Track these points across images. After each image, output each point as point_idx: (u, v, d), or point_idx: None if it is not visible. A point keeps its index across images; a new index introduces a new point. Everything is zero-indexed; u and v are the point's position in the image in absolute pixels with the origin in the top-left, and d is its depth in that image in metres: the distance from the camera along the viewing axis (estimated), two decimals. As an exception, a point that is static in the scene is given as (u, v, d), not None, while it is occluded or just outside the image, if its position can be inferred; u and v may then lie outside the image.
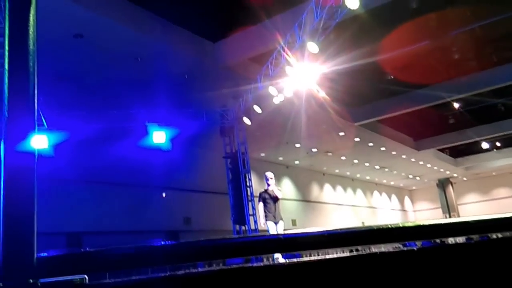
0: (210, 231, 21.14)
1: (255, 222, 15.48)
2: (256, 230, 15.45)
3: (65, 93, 13.92)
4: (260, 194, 11.37)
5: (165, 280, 2.20)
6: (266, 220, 10.89)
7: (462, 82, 18.85)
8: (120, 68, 13.94)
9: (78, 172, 15.54)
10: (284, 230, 11.16)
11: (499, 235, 2.84)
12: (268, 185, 11.13)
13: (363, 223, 35.60)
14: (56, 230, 14.67)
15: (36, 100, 2.49)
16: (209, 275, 2.18)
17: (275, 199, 10.89)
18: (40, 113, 13.19)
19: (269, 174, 11.46)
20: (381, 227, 3.30)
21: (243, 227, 16.55)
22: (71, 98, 14.26)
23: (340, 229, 3.44)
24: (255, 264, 2.25)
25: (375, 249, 2.53)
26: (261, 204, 11.06)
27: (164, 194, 18.35)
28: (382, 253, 2.47)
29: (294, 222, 27.60)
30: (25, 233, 2.24)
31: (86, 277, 2.24)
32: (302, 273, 2.35)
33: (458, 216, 37.75)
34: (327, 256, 2.45)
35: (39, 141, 13.22)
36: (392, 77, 17.93)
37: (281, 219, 11.00)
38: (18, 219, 2.24)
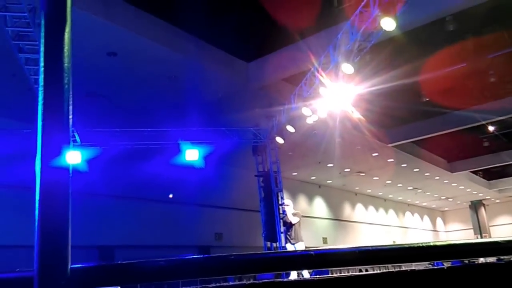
0: (241, 247, 21.15)
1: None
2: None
3: (98, 110, 14.16)
4: (282, 220, 12.32)
5: None
6: (286, 242, 11.68)
7: (498, 105, 18.59)
8: (153, 87, 14.08)
9: (112, 187, 15.78)
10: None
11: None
12: (284, 212, 11.87)
13: (394, 242, 35.20)
14: (89, 244, 14.88)
15: (70, 117, 2.53)
16: None
17: (290, 224, 11.44)
18: (73, 129, 13.46)
19: (286, 201, 12.19)
20: (412, 245, 3.28)
21: (274, 244, 16.54)
22: (104, 115, 14.49)
23: (371, 247, 3.42)
24: (285, 279, 2.27)
25: (404, 267, 2.52)
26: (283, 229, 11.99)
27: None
28: (412, 270, 2.47)
29: (325, 240, 27.46)
30: (60, 245, 2.26)
31: None
32: None
33: (490, 237, 37.13)
34: (356, 273, 2.45)
35: (73, 156, 13.47)
36: (427, 99, 17.76)
37: (301, 240, 11.41)
38: (53, 231, 2.27)
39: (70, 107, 2.55)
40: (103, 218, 15.42)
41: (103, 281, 2.60)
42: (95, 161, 13.55)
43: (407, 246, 3.49)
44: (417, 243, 3.25)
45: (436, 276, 2.42)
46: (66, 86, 2.54)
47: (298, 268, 3.06)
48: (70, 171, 2.49)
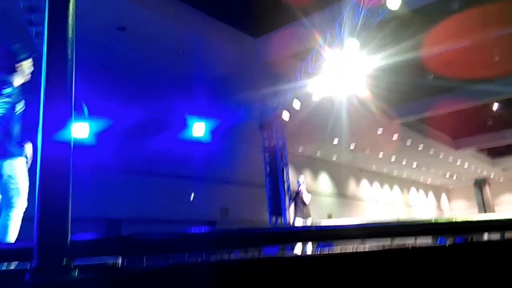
0: (247, 221, 21.34)
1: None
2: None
3: (106, 83, 14.21)
4: (291, 195, 12.51)
5: (198, 266, 2.21)
6: (295, 217, 11.87)
7: (505, 82, 18.58)
8: (161, 61, 14.14)
9: (120, 161, 15.92)
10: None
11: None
12: (299, 190, 12.09)
13: (398, 219, 35.26)
14: (96, 216, 15.06)
15: (73, 88, 2.46)
16: (242, 262, 2.22)
17: (304, 203, 11.64)
18: (82, 102, 13.56)
19: (301, 179, 12.42)
20: (414, 222, 3.35)
21: (279, 219, 16.76)
22: (113, 88, 14.53)
23: (373, 223, 3.56)
24: (288, 254, 2.33)
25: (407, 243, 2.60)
26: (292, 205, 12.19)
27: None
28: (413, 247, 2.52)
29: (329, 216, 27.62)
30: (60, 217, 2.25)
31: (120, 260, 2.25)
32: (331, 265, 2.41)
33: (495, 216, 37.19)
34: (358, 249, 2.50)
35: (80, 129, 13.59)
36: (434, 75, 17.77)
37: (310, 216, 11.75)
38: (54, 204, 2.25)
39: (74, 79, 2.48)
40: (111, 191, 15.56)
41: (103, 252, 2.58)
42: (103, 135, 13.66)
43: (409, 222, 3.52)
44: (420, 220, 3.35)
45: (438, 253, 2.48)
46: (70, 57, 2.50)
47: (301, 241, 3.12)
48: (72, 144, 2.44)
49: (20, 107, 4.57)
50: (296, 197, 12.40)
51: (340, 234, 3.20)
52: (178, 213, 17.71)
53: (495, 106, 21.03)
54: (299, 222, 11.88)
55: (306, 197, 11.97)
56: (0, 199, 4.45)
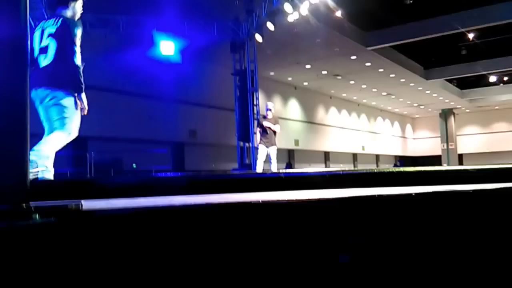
0: (214, 145, 21.30)
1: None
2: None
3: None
4: (259, 121, 12.05)
5: (162, 210, 2.05)
6: (259, 143, 11.54)
7: (479, 13, 18.40)
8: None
9: (86, 77, 15.36)
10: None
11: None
12: (266, 116, 11.64)
13: (363, 147, 35.91)
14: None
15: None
16: (207, 207, 2.08)
17: (273, 131, 11.52)
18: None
19: (270, 105, 11.95)
20: (381, 171, 3.34)
21: (247, 144, 16.67)
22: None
23: (341, 171, 3.56)
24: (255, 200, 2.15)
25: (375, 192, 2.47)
26: (258, 130, 11.73)
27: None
28: (379, 196, 2.40)
29: (297, 143, 27.79)
30: (17, 155, 1.99)
31: (82, 202, 2.04)
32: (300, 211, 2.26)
33: (456, 146, 38.17)
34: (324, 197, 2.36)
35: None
36: (411, 1, 17.47)
37: (275, 144, 11.43)
38: (9, 139, 1.98)
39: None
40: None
41: (64, 195, 2.38)
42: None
43: (376, 171, 3.59)
44: (386, 169, 3.37)
45: (404, 202, 2.35)
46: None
47: (268, 189, 2.99)
48: (29, 62, 2.11)
49: (78, 42, 4.73)
50: (263, 124, 11.92)
51: (309, 182, 3.20)
52: (146, 132, 17.47)
53: (470, 36, 20.85)
54: (261, 149, 11.61)
55: (276, 127, 11.58)
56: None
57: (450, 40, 21.91)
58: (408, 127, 45.38)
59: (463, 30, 19.46)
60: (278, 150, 11.78)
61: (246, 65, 16.45)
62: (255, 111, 16.25)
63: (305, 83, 27.53)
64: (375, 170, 3.49)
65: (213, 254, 1.92)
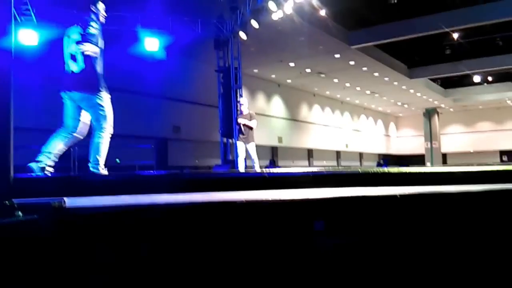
0: (198, 141, 21.29)
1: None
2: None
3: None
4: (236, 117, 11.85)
5: (147, 208, 2.08)
6: (237, 140, 11.36)
7: (464, 13, 18.55)
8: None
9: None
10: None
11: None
12: (241, 112, 11.41)
13: (347, 145, 36.03)
14: (46, 128, 14.55)
15: None
16: (190, 206, 2.10)
17: (250, 128, 11.14)
18: (29, 6, 12.76)
19: (242, 100, 11.81)
20: (365, 171, 3.36)
21: (230, 140, 16.68)
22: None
23: (325, 171, 3.58)
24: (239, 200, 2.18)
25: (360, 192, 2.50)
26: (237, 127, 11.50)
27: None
28: (364, 196, 2.44)
29: (280, 140, 27.84)
30: (1, 151, 1.99)
31: (65, 200, 2.03)
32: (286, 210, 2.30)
33: (439, 145, 38.45)
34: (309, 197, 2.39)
35: (28, 36, 12.88)
36: (395, 1, 17.57)
37: (253, 141, 11.14)
38: None
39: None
40: (61, 103, 15.03)
41: (48, 192, 2.40)
42: (53, 43, 12.97)
43: (361, 171, 3.58)
44: (371, 170, 3.36)
45: (389, 203, 2.38)
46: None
47: (252, 188, 2.98)
48: (13, 56, 2.11)
49: (101, 44, 5.33)
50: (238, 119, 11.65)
51: (292, 181, 3.19)
52: (129, 128, 17.37)
53: (455, 36, 21.00)
54: (240, 146, 11.42)
55: (252, 123, 11.28)
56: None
57: (434, 40, 22.07)
58: (392, 125, 45.57)
59: (447, 30, 19.59)
60: (262, 147, 11.68)
61: (230, 62, 16.44)
62: (238, 108, 16.25)
63: (289, 81, 27.57)
64: (359, 170, 3.50)
65: (196, 251, 1.94)
